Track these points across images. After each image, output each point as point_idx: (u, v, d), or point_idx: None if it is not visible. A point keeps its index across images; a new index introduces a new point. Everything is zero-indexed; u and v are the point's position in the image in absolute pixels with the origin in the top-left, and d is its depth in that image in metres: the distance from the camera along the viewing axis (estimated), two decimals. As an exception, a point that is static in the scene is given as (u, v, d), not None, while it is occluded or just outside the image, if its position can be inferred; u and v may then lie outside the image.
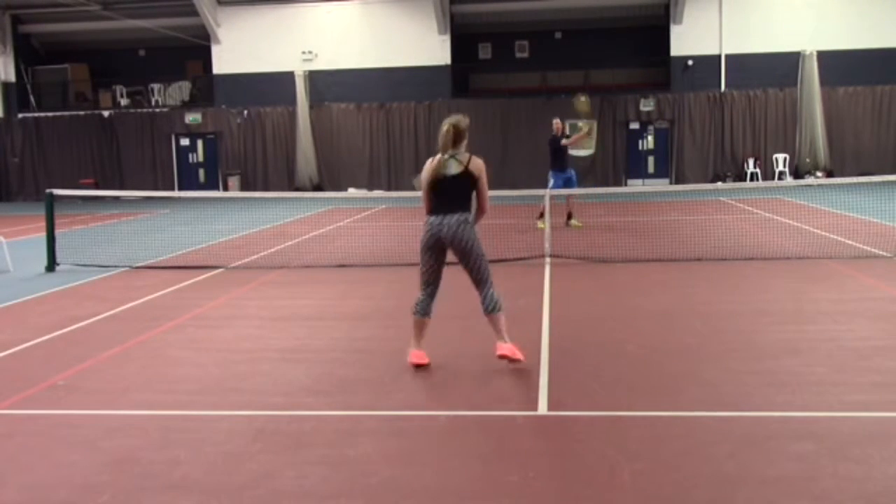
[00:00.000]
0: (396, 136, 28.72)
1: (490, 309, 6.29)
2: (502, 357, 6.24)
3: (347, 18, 28.92)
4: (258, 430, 5.21)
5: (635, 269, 11.03)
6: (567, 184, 15.28)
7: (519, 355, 6.26)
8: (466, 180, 6.26)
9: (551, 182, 15.26)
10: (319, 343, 7.51)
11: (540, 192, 13.63)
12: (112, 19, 29.00)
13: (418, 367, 6.37)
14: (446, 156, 6.27)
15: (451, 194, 6.26)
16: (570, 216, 15.64)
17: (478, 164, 6.31)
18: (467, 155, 6.32)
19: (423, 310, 6.42)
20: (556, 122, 15.88)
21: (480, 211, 6.41)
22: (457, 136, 6.28)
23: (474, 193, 6.34)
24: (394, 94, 28.50)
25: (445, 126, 6.30)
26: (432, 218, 6.28)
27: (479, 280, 6.31)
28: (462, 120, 6.37)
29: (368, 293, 9.85)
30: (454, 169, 6.25)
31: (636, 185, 27.59)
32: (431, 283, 6.42)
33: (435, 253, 6.33)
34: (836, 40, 26.70)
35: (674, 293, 9.39)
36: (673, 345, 7.06)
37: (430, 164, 6.35)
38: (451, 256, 6.41)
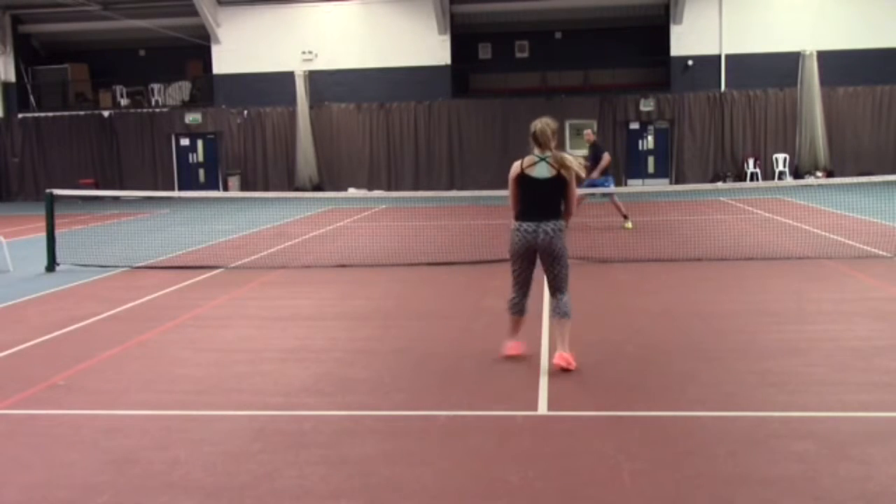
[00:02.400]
0: (396, 136, 28.71)
1: (562, 313, 6.23)
2: (558, 366, 6.15)
3: (347, 18, 28.92)
4: (258, 430, 5.20)
5: (635, 269, 11.02)
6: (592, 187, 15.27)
7: (573, 364, 6.19)
8: (559, 184, 6.14)
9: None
10: (319, 343, 7.51)
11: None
12: (112, 19, 29.00)
13: (511, 357, 6.49)
14: (536, 157, 6.18)
15: (543, 201, 6.17)
16: (625, 217, 15.65)
17: (567, 166, 6.13)
18: (560, 156, 6.15)
19: (520, 309, 6.49)
20: (587, 132, 16.17)
21: (567, 213, 6.31)
22: (552, 135, 6.16)
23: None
24: (394, 94, 28.50)
25: (539, 126, 6.16)
26: (526, 224, 6.17)
27: (558, 288, 6.27)
28: (552, 122, 6.24)
29: (368, 293, 9.85)
30: (546, 173, 6.13)
31: (636, 185, 27.59)
32: (525, 283, 6.42)
33: (527, 259, 6.29)
34: (836, 40, 26.71)
35: (674, 293, 9.38)
36: (673, 345, 7.06)
37: (516, 164, 6.27)
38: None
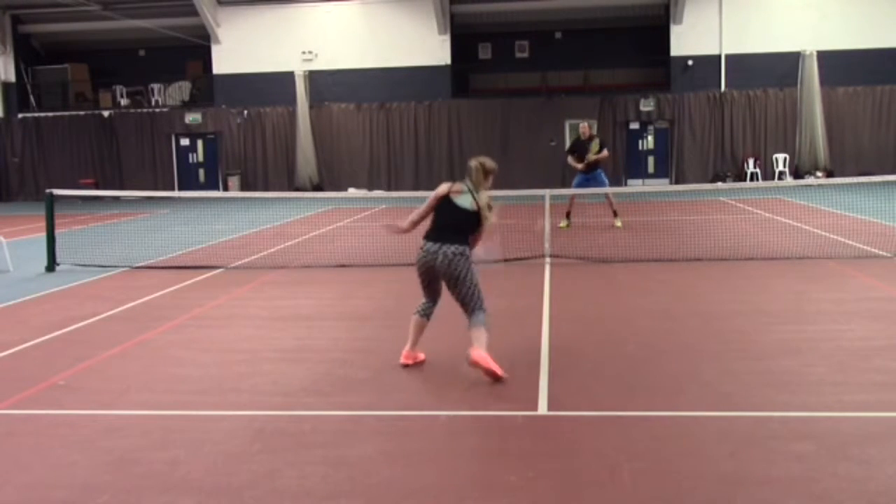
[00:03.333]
0: (396, 136, 28.69)
1: (471, 323, 6.06)
2: (473, 363, 5.88)
3: (347, 18, 28.91)
4: (258, 430, 5.21)
5: (635, 269, 11.02)
6: (587, 184, 15.33)
7: (489, 366, 5.88)
8: (474, 219, 6.19)
9: (575, 181, 15.75)
10: (319, 343, 7.51)
11: (539, 192, 13.60)
12: (112, 19, 29.00)
13: (406, 366, 6.40)
14: (465, 188, 6.23)
15: (455, 226, 6.17)
16: (615, 214, 15.70)
17: (489, 205, 6.23)
18: (486, 197, 6.24)
19: (423, 311, 6.44)
20: (584, 125, 16.29)
21: (475, 240, 6.28)
22: (485, 175, 6.26)
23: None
24: (394, 94, 28.49)
25: (474, 164, 6.25)
26: (429, 244, 6.18)
27: (469, 309, 6.12)
28: (489, 161, 6.35)
29: (368, 293, 9.85)
30: (468, 205, 6.18)
31: (636, 185, 27.57)
32: (431, 295, 6.43)
33: (428, 277, 6.30)
34: (836, 40, 26.70)
35: (674, 293, 9.38)
36: (673, 345, 7.06)
37: (446, 185, 6.31)
38: None
